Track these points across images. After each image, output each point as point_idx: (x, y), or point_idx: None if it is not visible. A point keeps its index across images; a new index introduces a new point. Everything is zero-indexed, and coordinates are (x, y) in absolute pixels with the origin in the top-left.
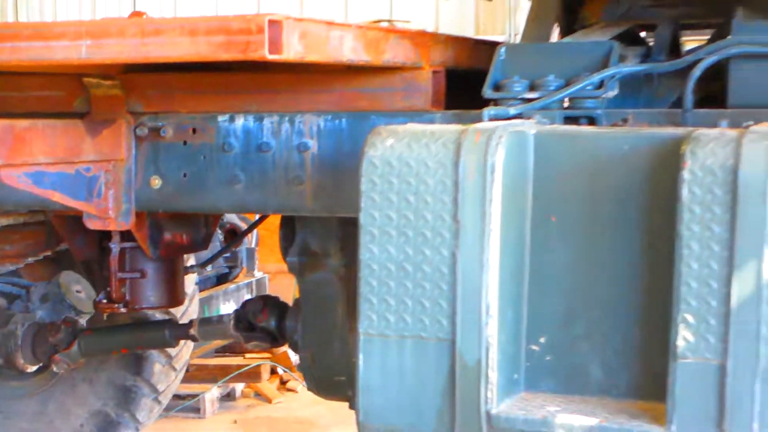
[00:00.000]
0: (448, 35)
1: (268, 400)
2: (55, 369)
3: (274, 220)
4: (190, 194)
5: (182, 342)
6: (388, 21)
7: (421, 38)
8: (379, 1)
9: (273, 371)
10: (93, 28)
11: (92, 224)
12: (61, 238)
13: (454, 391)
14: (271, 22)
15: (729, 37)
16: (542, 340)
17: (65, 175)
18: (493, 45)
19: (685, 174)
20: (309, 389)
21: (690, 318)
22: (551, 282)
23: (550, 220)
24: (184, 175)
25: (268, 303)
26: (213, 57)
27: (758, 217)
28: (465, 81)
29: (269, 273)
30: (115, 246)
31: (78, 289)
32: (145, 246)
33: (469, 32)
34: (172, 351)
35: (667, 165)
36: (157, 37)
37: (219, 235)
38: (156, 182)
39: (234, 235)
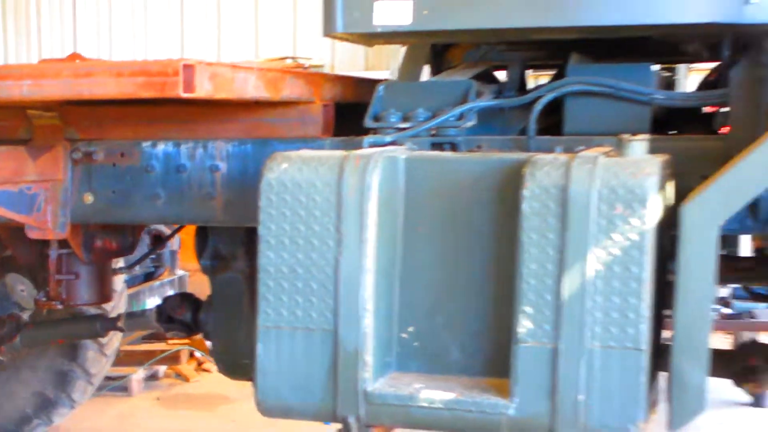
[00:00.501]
0: (335, 75)
1: (187, 380)
2: (0, 357)
3: (193, 226)
4: (118, 209)
5: (112, 332)
6: (293, 58)
7: (313, 78)
8: (285, 40)
9: (191, 355)
10: (33, 71)
11: (33, 234)
12: (6, 246)
13: (337, 373)
14: (185, 66)
15: (565, 77)
16: (410, 329)
17: (10, 193)
18: (374, 82)
19: (525, 192)
20: (220, 371)
21: (529, 309)
22: (418, 281)
23: (418, 230)
24: (113, 192)
25: (185, 299)
26: (135, 95)
27: (583, 227)
28: (352, 111)
29: (189, 271)
30: (53, 252)
31: (21, 289)
32: (79, 252)
33: (360, 68)
34: (103, 340)
35: (512, 184)
36: (89, 78)
37: (146, 240)
38: (89, 198)
39: (159, 240)
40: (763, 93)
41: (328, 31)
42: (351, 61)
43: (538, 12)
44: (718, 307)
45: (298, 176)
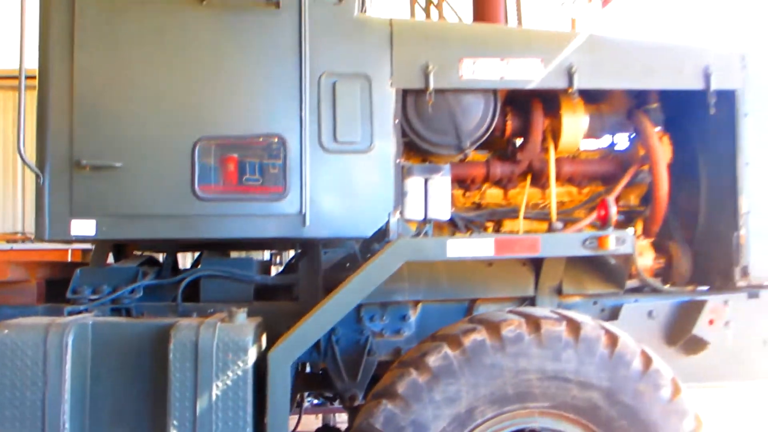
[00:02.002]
0: (47, 261)
1: None
2: None
3: None
4: None
5: None
6: (22, 233)
7: (31, 264)
8: (16, 218)
9: None
10: None
11: None
12: None
13: None
14: None
15: (200, 265)
16: None
17: None
18: (76, 265)
19: (171, 346)
20: None
21: (176, 422)
22: (102, 406)
23: (101, 373)
24: None
25: None
26: None
27: (209, 368)
28: (62, 284)
29: None
30: None
31: None
32: None
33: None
34: None
35: (164, 339)
36: None
37: None
38: None
39: None
40: (318, 276)
41: (39, 237)
42: None
43: (174, 229)
44: (311, 399)
45: (16, 338)
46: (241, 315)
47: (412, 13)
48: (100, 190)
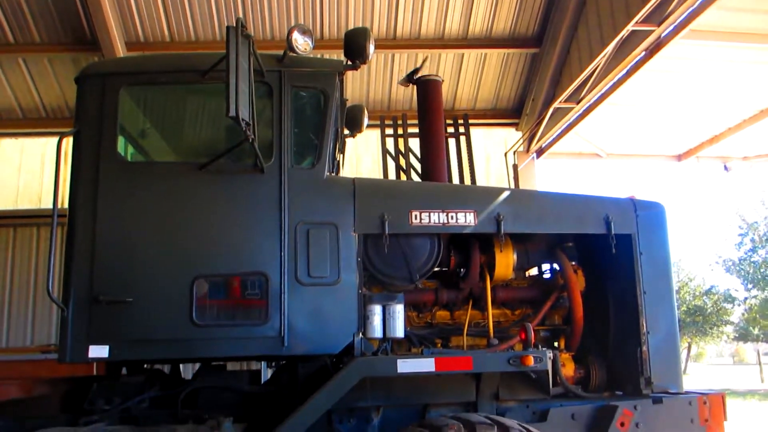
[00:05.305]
0: (69, 377)
1: None
2: None
3: None
4: None
5: None
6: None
7: (55, 380)
8: None
9: None
10: None
11: None
12: None
13: None
14: None
15: (199, 377)
16: None
17: None
18: (95, 378)
19: None
20: None
21: None
22: None
23: None
24: None
25: None
26: None
27: None
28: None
29: None
30: None
31: None
32: None
33: None
34: None
35: None
36: None
37: None
38: None
39: None
40: (296, 386)
41: (61, 360)
42: None
43: (175, 351)
44: None
45: None
46: (227, 423)
47: (385, 164)
48: (113, 321)
